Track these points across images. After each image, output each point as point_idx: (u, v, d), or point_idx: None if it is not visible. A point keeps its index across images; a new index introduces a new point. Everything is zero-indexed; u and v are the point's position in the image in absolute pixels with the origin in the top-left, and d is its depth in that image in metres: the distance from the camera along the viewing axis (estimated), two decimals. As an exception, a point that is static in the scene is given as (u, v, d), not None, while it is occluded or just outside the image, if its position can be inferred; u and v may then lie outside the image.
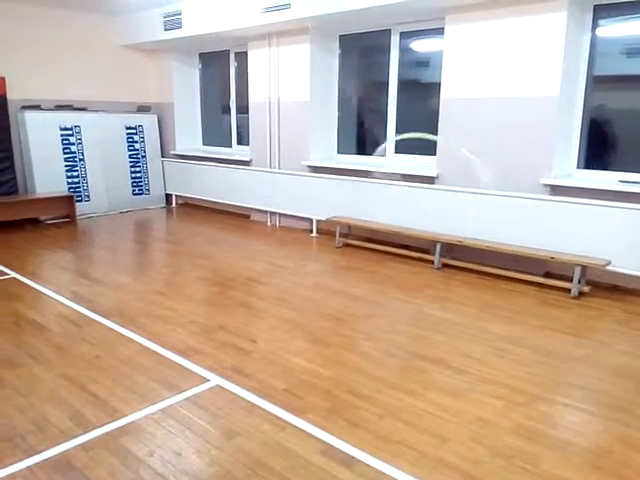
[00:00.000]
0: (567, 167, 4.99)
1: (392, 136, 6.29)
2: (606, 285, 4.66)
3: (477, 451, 2.39)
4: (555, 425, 2.63)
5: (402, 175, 5.84)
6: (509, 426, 2.59)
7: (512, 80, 4.92)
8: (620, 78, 5.03)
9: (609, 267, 4.42)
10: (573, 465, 2.31)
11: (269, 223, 7.46)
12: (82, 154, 7.81)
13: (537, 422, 2.63)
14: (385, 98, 6.26)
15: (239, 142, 8.21)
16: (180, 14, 7.05)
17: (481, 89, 5.13)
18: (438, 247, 5.26)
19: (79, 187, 7.81)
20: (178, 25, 7.12)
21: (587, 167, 4.97)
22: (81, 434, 2.49)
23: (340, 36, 6.64)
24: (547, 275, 4.85)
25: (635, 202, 4.32)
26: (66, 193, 7.55)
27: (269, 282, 4.85)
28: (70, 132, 7.68)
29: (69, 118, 7.67)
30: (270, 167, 7.23)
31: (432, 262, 5.33)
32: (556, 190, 4.81)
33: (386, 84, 6.22)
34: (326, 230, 6.61)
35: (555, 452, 2.40)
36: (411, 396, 2.86)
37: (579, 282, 4.44)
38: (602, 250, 4.44)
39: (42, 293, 4.52)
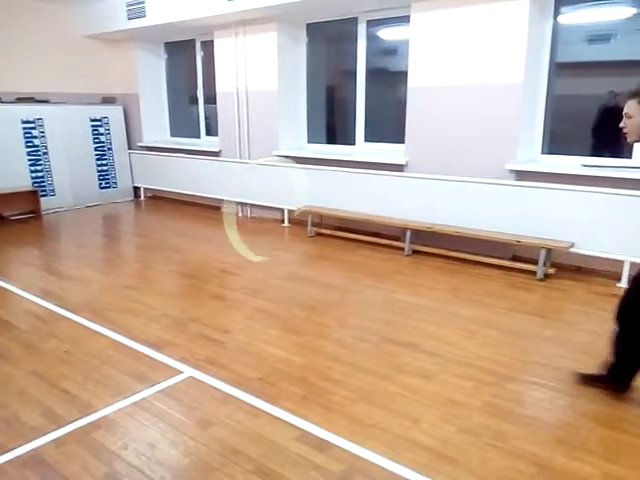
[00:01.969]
0: (532, 153, 5.09)
1: (361, 127, 6.31)
2: (570, 267, 4.80)
3: (447, 430, 2.45)
4: (523, 403, 2.72)
5: (371, 163, 5.88)
6: (478, 405, 2.66)
7: (477, 68, 4.98)
8: (582, 64, 5.15)
9: (573, 249, 4.54)
10: (540, 440, 2.39)
11: (240, 214, 7.42)
12: (46, 147, 7.62)
13: (505, 401, 2.71)
14: (354, 87, 6.28)
15: (208, 133, 8.12)
16: (143, 3, 6.91)
17: (447, 77, 5.19)
18: (408, 234, 5.32)
19: (44, 181, 7.63)
20: (142, 14, 6.98)
21: (551, 152, 5.09)
22: (53, 430, 2.47)
23: (307, 24, 6.60)
24: (514, 258, 4.96)
25: (597, 185, 4.44)
26: (30, 188, 7.37)
27: (242, 273, 4.84)
28: (32, 125, 7.48)
29: (31, 111, 7.47)
30: (240, 157, 7.18)
31: (402, 249, 5.39)
32: (521, 175, 4.91)
33: (354, 72, 6.23)
34: (298, 220, 6.61)
35: (522, 429, 2.48)
36: (384, 380, 2.91)
37: (544, 265, 4.56)
38: (566, 233, 4.56)
39: (8, 290, 4.42)
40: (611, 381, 2.74)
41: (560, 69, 5.00)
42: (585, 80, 5.19)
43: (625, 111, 2.36)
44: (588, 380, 2.82)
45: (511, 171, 4.94)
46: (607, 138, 5.00)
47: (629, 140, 2.41)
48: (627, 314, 2.61)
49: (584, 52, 5.11)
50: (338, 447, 2.33)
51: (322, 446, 2.34)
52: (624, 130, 2.40)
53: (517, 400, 2.73)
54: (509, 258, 4.97)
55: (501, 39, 4.80)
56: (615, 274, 4.50)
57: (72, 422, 2.53)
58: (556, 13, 4.85)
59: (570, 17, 4.95)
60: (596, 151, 4.97)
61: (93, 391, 2.82)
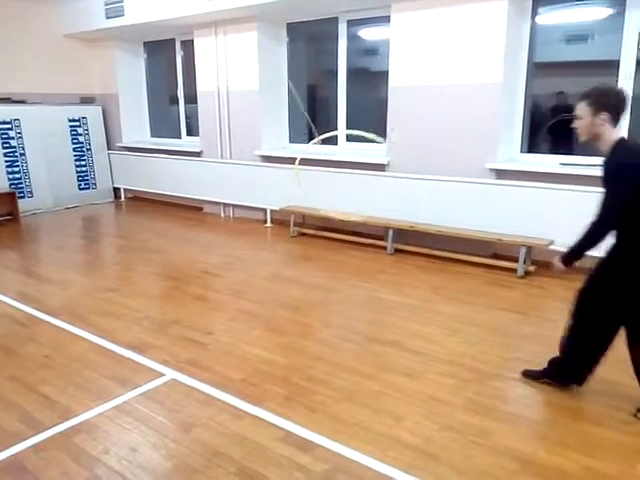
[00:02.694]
0: (511, 151, 5.15)
1: (342, 127, 6.31)
2: (550, 264, 4.84)
3: (430, 428, 2.47)
4: (504, 400, 2.75)
5: (353, 163, 5.88)
6: (461, 403, 2.68)
7: (457, 67, 5.02)
8: (560, 64, 5.22)
9: (552, 246, 4.60)
10: (522, 436, 2.41)
11: (222, 215, 7.38)
12: (23, 148, 7.48)
13: (487, 398, 2.73)
14: (335, 86, 6.28)
15: (189, 133, 8.05)
16: (122, 1, 6.82)
17: (427, 77, 5.21)
18: (390, 233, 5.34)
19: (21, 183, 7.49)
20: (120, 13, 6.90)
21: (530, 151, 5.15)
22: (32, 436, 2.43)
23: (288, 24, 6.58)
24: (495, 256, 5.01)
25: (575, 183, 4.51)
26: (7, 190, 7.23)
27: (224, 274, 4.82)
28: (9, 126, 7.35)
29: (7, 111, 7.33)
30: (221, 157, 7.14)
31: (385, 248, 5.41)
32: (501, 174, 4.96)
33: (335, 72, 6.23)
34: (281, 220, 6.59)
35: (504, 425, 2.50)
36: (367, 379, 2.92)
37: (524, 262, 4.61)
38: (546, 230, 4.62)
39: (-15, 294, 4.34)
40: (557, 376, 2.78)
41: (538, 69, 5.06)
42: (563, 80, 5.26)
43: (576, 112, 2.46)
44: (532, 376, 2.88)
45: (491, 170, 4.99)
46: (560, 136, 5.17)
47: (580, 139, 2.51)
48: (583, 308, 2.66)
49: (562, 52, 5.18)
50: (322, 447, 2.33)
51: (306, 446, 2.33)
52: (576, 130, 2.49)
53: (499, 397, 2.75)
54: (490, 256, 5.01)
55: (480, 39, 4.84)
56: (594, 271, 4.56)
57: (52, 427, 2.49)
58: (534, 13, 4.90)
59: (548, 17, 5.02)
60: (553, 149, 5.09)
61: (73, 395, 2.78)
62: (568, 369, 2.75)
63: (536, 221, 4.67)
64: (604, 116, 2.36)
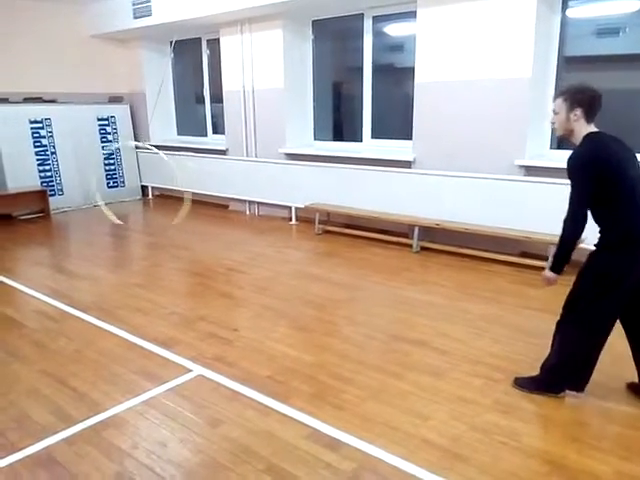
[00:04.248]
0: (540, 148, 5.05)
1: (367, 123, 6.28)
2: (580, 263, 4.74)
3: (458, 428, 2.44)
4: (533, 400, 2.69)
5: (378, 160, 5.85)
6: (489, 403, 2.64)
7: (485, 62, 4.94)
8: (591, 58, 5.10)
9: (583, 245, 4.49)
10: (552, 438, 2.37)
11: (248, 212, 7.42)
12: (54, 147, 7.64)
13: (516, 398, 2.69)
14: (360, 83, 6.25)
15: (214, 131, 8.11)
16: (149, 1, 6.90)
17: (454, 72, 5.15)
18: (416, 231, 5.30)
19: (52, 181, 7.65)
20: (148, 13, 6.98)
21: (560, 147, 5.04)
22: (63, 429, 2.48)
23: (313, 21, 6.58)
24: (523, 255, 4.92)
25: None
26: (39, 188, 7.40)
27: (249, 271, 4.84)
28: (40, 125, 7.51)
29: (39, 111, 7.49)
30: (247, 155, 7.18)
31: (410, 246, 5.37)
32: (530, 171, 4.87)
33: (361, 69, 6.20)
34: (305, 217, 6.60)
35: (534, 426, 2.46)
36: (393, 378, 2.90)
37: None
38: (576, 229, 4.51)
39: (18, 290, 4.44)
40: (551, 385, 2.69)
41: (569, 63, 4.96)
42: (594, 74, 5.13)
43: (553, 108, 2.53)
44: (524, 383, 2.76)
45: (520, 166, 4.90)
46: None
47: (557, 134, 2.59)
48: (573, 310, 2.60)
49: (593, 46, 5.06)
50: (349, 445, 2.32)
51: (333, 444, 2.33)
52: (553, 125, 2.56)
53: (528, 397, 2.70)
54: (518, 254, 4.93)
55: (509, 33, 4.76)
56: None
57: (82, 421, 2.54)
58: (564, 7, 4.80)
59: (578, 11, 4.90)
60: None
61: (103, 390, 2.82)
62: (565, 375, 2.65)
63: (566, 219, 4.56)
64: (578, 112, 2.43)
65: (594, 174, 2.34)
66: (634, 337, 2.63)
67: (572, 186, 2.42)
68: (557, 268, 2.57)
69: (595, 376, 2.86)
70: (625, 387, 2.71)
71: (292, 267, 4.93)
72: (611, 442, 2.33)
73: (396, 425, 2.47)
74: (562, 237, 2.50)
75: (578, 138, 2.46)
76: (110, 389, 2.83)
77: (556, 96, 2.52)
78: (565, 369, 2.63)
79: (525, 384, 2.75)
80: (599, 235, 2.49)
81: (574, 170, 2.40)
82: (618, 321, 2.59)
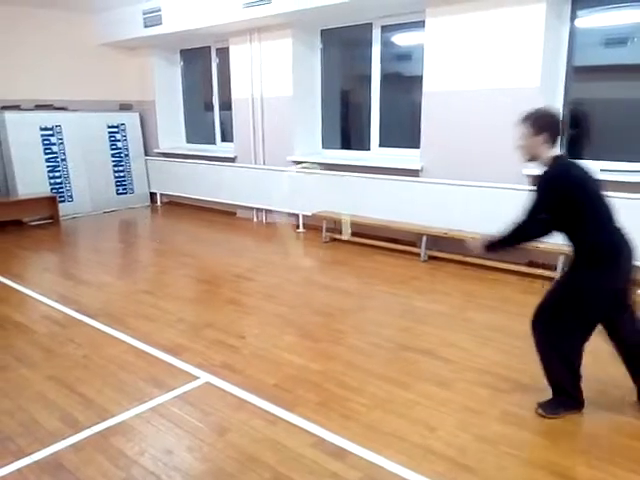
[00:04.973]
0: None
1: (376, 131, 6.30)
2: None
3: (465, 438, 2.43)
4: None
5: (386, 169, 5.86)
6: (495, 413, 2.63)
7: (493, 72, 4.95)
8: (599, 68, 5.10)
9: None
10: (560, 449, 2.35)
11: (255, 220, 7.44)
12: (64, 154, 7.71)
13: (523, 409, 2.67)
14: (368, 92, 6.27)
15: (223, 139, 8.16)
16: (160, 10, 6.98)
17: (463, 81, 5.16)
18: (424, 240, 5.29)
19: (62, 187, 7.72)
20: (158, 22, 7.05)
21: (570, 157, 5.02)
22: (71, 435, 2.49)
23: (322, 30, 6.62)
24: (531, 264, 4.91)
25: (615, 190, 4.37)
26: (49, 194, 7.46)
27: (257, 278, 4.85)
28: (51, 132, 7.59)
29: (49, 118, 7.57)
30: (255, 163, 7.21)
31: (418, 255, 5.36)
32: (538, 180, 4.85)
33: (369, 78, 6.23)
34: (313, 225, 6.61)
35: (542, 437, 2.45)
36: (400, 387, 2.89)
37: (562, 270, 4.50)
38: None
39: (27, 295, 4.47)
40: (567, 402, 2.62)
41: (577, 73, 4.95)
42: (602, 83, 5.13)
43: (519, 134, 2.64)
44: (550, 409, 2.63)
45: (528, 175, 4.89)
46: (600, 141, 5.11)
47: (524, 159, 2.68)
48: (545, 319, 2.62)
49: (601, 55, 5.06)
50: (355, 455, 2.32)
51: (339, 453, 2.32)
52: (519, 149, 2.67)
53: (535, 408, 2.69)
54: (525, 264, 4.91)
55: (517, 43, 4.77)
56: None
57: (90, 427, 2.55)
58: (573, 16, 4.81)
59: (587, 20, 4.91)
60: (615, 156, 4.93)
61: (110, 396, 2.83)
62: (568, 397, 2.62)
63: (574, 228, 4.55)
64: (543, 136, 2.53)
65: (563, 195, 2.45)
66: (622, 350, 2.66)
67: (535, 198, 2.52)
68: (491, 248, 2.79)
69: (604, 388, 2.86)
70: (635, 400, 2.69)
71: (299, 275, 4.94)
72: (619, 454, 2.31)
73: (402, 435, 2.46)
74: (511, 232, 2.64)
75: (545, 160, 2.55)
76: (117, 396, 2.84)
77: (521, 122, 2.62)
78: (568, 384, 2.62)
79: (552, 409, 2.62)
80: (573, 255, 2.58)
81: (546, 187, 2.51)
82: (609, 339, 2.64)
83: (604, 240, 2.47)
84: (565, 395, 2.62)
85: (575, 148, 5.06)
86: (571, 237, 2.54)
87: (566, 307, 2.54)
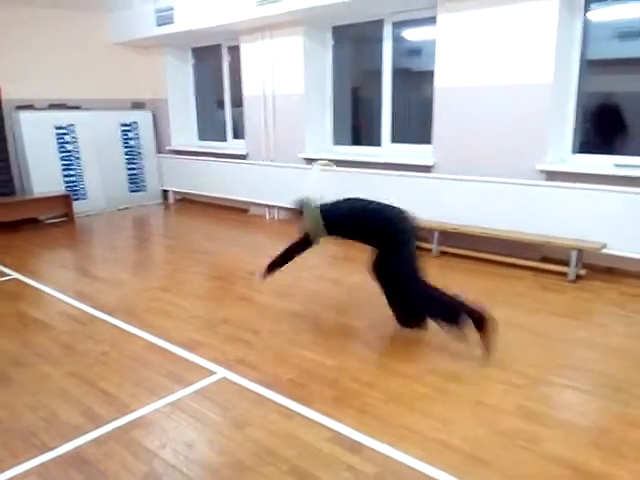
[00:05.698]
0: (562, 152, 5.03)
1: (387, 127, 6.31)
2: (602, 268, 4.72)
3: (479, 433, 2.45)
4: (555, 406, 2.70)
5: (398, 165, 5.87)
6: (510, 408, 2.65)
7: (506, 67, 4.94)
8: (613, 61, 5.07)
9: (605, 250, 4.47)
10: (574, 443, 2.37)
11: (267, 216, 7.49)
12: (78, 152, 7.80)
13: (538, 403, 2.69)
14: (379, 88, 6.28)
15: (235, 136, 8.21)
16: (172, 9, 7.02)
17: (475, 77, 5.15)
18: (436, 235, 5.30)
19: (76, 186, 7.82)
20: (170, 20, 7.10)
21: (582, 152, 5.01)
22: (93, 429, 2.55)
23: (333, 27, 6.63)
24: (544, 260, 4.91)
25: (630, 185, 4.37)
26: (63, 192, 7.56)
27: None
28: (65, 131, 7.67)
29: (63, 117, 7.66)
30: (266, 160, 7.25)
31: (430, 250, 5.38)
32: (552, 175, 4.85)
33: (380, 74, 6.23)
34: (324, 221, 6.62)
35: (556, 431, 2.46)
36: (414, 381, 2.92)
37: (576, 266, 4.50)
38: (598, 233, 4.49)
39: (45, 292, 4.55)
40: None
41: (590, 67, 4.93)
42: (616, 77, 5.10)
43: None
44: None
45: (541, 171, 4.89)
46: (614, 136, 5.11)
47: (313, 243, 3.71)
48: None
49: (615, 49, 5.02)
50: (371, 449, 2.35)
51: (355, 447, 2.36)
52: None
53: (550, 403, 2.71)
54: (539, 259, 4.91)
55: (530, 38, 4.75)
56: (649, 275, 4.42)
57: (111, 421, 2.61)
58: (586, 10, 4.78)
59: (600, 13, 4.88)
60: (629, 150, 4.90)
61: (130, 391, 2.89)
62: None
63: (588, 224, 4.55)
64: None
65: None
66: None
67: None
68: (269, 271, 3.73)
69: (616, 382, 2.86)
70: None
71: (312, 271, 4.97)
72: (634, 448, 2.33)
73: (418, 429, 2.49)
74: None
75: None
76: (137, 391, 2.90)
77: (297, 212, 3.48)
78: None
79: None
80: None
81: None
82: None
83: None
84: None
85: (587, 142, 5.05)
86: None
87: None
